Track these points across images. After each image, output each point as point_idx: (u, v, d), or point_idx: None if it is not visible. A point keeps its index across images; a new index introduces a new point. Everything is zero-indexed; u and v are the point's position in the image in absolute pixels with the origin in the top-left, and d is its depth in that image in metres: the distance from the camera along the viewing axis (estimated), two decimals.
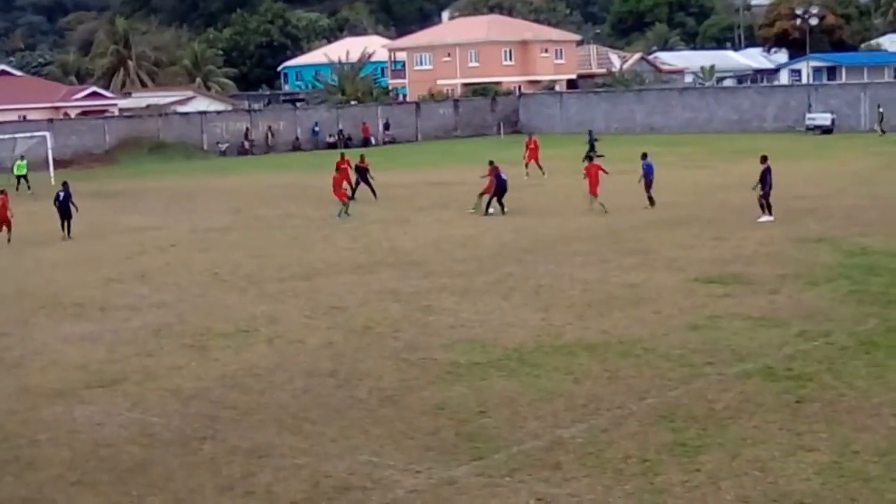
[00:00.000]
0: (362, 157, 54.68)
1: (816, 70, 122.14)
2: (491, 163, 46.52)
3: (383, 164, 52.93)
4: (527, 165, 59.41)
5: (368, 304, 28.89)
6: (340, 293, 30.51)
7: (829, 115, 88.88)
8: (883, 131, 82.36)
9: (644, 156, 46.45)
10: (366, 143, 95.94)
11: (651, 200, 45.42)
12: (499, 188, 45.55)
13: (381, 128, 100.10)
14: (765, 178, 40.52)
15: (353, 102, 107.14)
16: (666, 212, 43.72)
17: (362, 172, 52.70)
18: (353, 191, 51.48)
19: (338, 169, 50.92)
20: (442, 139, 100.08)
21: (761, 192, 40.50)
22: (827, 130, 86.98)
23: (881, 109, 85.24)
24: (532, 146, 61.85)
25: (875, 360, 21.79)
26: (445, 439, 18.22)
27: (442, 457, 17.38)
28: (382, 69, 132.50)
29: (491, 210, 45.37)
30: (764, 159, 40.81)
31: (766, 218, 40.07)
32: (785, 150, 71.31)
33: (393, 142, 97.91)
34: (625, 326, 25.39)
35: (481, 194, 46.57)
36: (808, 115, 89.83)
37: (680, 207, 44.62)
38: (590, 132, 74.82)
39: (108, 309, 29.81)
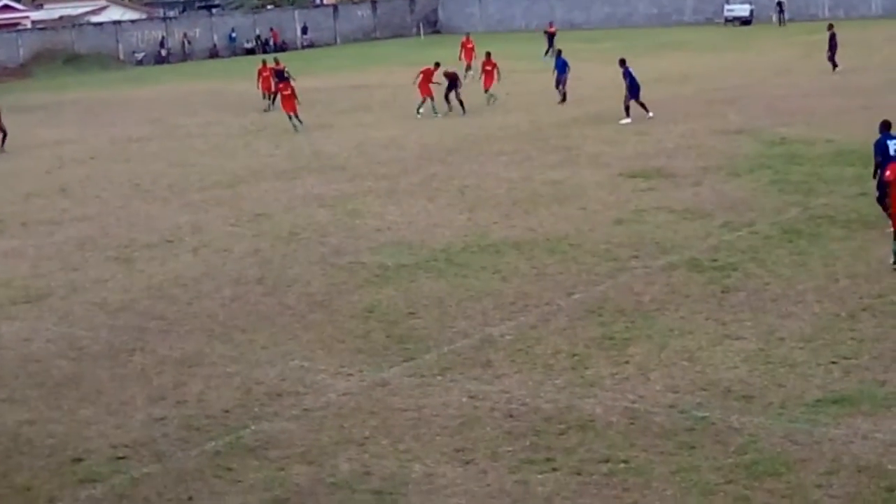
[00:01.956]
0: (276, 60, 54.08)
1: None
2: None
3: (303, 68, 52.41)
4: (468, 67, 58.38)
5: (294, 210, 28.76)
6: (265, 200, 30.33)
7: (747, 7, 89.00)
8: (781, 22, 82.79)
9: (558, 53, 46.45)
10: (281, 48, 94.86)
11: (563, 97, 45.52)
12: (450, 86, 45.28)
13: (298, 32, 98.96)
14: (629, 82, 39.99)
15: (269, 7, 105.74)
16: (588, 108, 43.76)
17: (279, 74, 52.09)
18: (273, 98, 50.91)
19: (260, 77, 50.36)
20: (361, 42, 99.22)
21: (627, 95, 40.00)
22: (746, 21, 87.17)
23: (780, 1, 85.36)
24: (469, 46, 61.07)
25: (798, 248, 22.05)
26: (376, 342, 18.26)
27: (373, 359, 17.43)
28: None
29: (422, 111, 45.09)
30: (622, 62, 40.39)
31: (625, 120, 39.69)
32: (704, 43, 71.58)
33: (311, 46, 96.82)
34: (551, 223, 25.48)
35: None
36: (727, 7, 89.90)
37: (602, 103, 44.66)
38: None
39: (30, 224, 29.44)
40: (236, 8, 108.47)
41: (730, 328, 17.80)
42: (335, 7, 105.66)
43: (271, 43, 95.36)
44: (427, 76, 45.68)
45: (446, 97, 44.88)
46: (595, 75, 52.23)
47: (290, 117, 43.49)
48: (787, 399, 14.87)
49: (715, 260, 21.62)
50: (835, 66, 51.13)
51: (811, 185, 27.50)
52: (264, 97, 50.59)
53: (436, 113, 44.71)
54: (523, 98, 48.82)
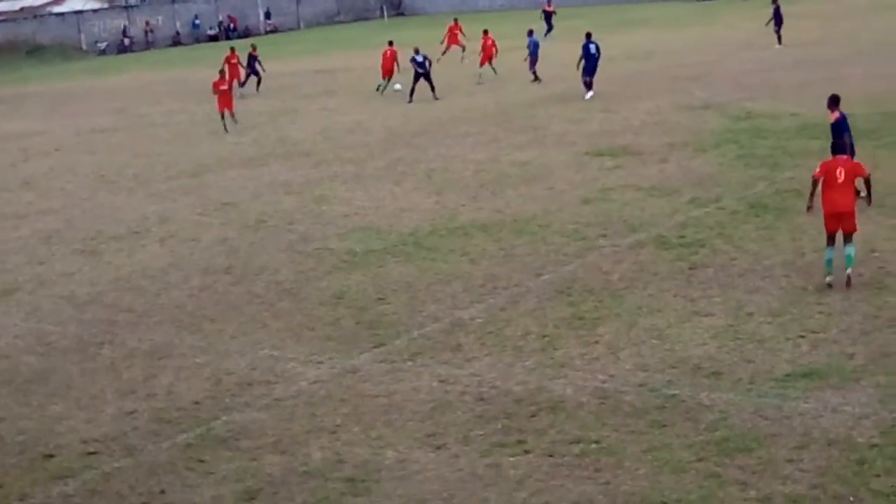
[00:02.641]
0: (253, 45, 53.87)
1: None
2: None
3: (267, 53, 52.16)
4: (464, 49, 57.63)
5: (260, 198, 28.67)
6: (231, 188, 30.22)
7: None
8: None
9: (530, 32, 46.35)
10: (244, 33, 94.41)
11: (536, 77, 45.46)
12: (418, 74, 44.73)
13: (262, 17, 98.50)
14: (584, 55, 40.31)
15: None
16: (554, 87, 43.75)
17: (252, 61, 51.83)
18: (243, 83, 50.73)
19: (227, 64, 49.94)
20: (324, 25, 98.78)
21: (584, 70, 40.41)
22: None
23: None
24: (456, 32, 60.36)
25: (765, 223, 22.13)
26: (346, 328, 18.24)
27: (343, 346, 17.41)
28: None
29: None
30: (588, 36, 40.73)
31: (589, 94, 40.13)
32: (669, 19, 71.60)
33: (275, 31, 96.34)
34: (518, 204, 25.49)
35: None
36: None
37: (568, 82, 44.59)
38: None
39: None
40: None
41: (698, 305, 17.85)
42: None
43: (236, 29, 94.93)
44: (390, 57, 46.02)
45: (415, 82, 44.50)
46: (560, 54, 52.12)
47: (221, 116, 40.30)
48: (756, 374, 14.93)
49: (682, 237, 21.67)
50: (780, 39, 51.21)
51: (777, 159, 27.58)
52: (240, 84, 50.16)
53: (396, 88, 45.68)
54: (489, 79, 48.71)
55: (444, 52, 54.15)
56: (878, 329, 16.18)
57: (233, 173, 32.33)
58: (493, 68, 47.59)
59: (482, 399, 14.95)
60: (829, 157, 19.39)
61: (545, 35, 61.69)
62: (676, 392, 14.57)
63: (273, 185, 30.03)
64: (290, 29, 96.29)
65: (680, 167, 27.86)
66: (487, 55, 47.68)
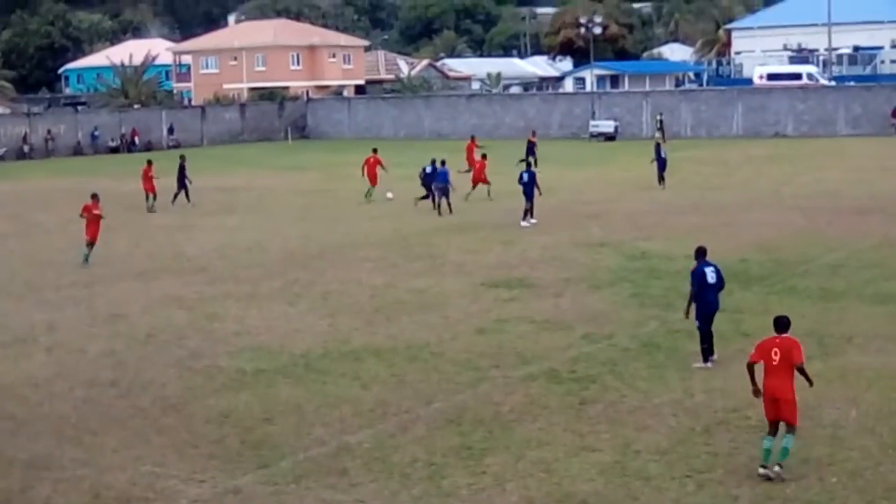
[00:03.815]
0: (182, 156, 53.92)
1: (600, 78, 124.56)
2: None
3: (168, 168, 51.95)
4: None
5: (151, 312, 28.32)
6: (122, 300, 29.83)
7: (612, 123, 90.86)
8: (664, 139, 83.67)
9: (443, 163, 46.14)
10: (147, 147, 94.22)
11: (447, 207, 45.16)
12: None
13: (165, 132, 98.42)
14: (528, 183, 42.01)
15: (136, 106, 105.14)
16: (454, 217, 44.02)
17: (182, 172, 51.85)
18: (175, 197, 51.00)
19: (145, 178, 49.61)
20: (228, 144, 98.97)
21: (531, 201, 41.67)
22: (610, 137, 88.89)
23: (661, 117, 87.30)
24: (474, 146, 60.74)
25: (656, 362, 22.27)
26: (230, 447, 17.94)
27: (226, 465, 17.11)
28: (167, 73, 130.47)
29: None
30: (528, 164, 43.00)
31: (530, 222, 41.46)
32: (570, 157, 72.65)
33: (178, 146, 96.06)
34: (412, 331, 25.43)
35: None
36: (592, 123, 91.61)
37: (468, 213, 44.98)
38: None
39: None
40: (102, 106, 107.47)
41: (587, 440, 17.83)
42: (203, 109, 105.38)
43: (138, 143, 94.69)
44: (373, 164, 50.22)
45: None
46: (459, 185, 52.55)
47: (88, 245, 35.83)
48: None
49: (574, 371, 21.72)
50: (661, 181, 52.66)
51: (670, 300, 27.84)
52: (147, 198, 49.71)
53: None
54: (389, 205, 48.99)
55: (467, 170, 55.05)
56: None
57: (125, 285, 31.95)
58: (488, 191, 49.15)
59: None
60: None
61: (519, 161, 61.94)
62: None
63: (165, 300, 29.70)
64: (194, 145, 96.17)
65: (574, 302, 28.05)
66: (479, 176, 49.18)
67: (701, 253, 22.08)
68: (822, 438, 17.59)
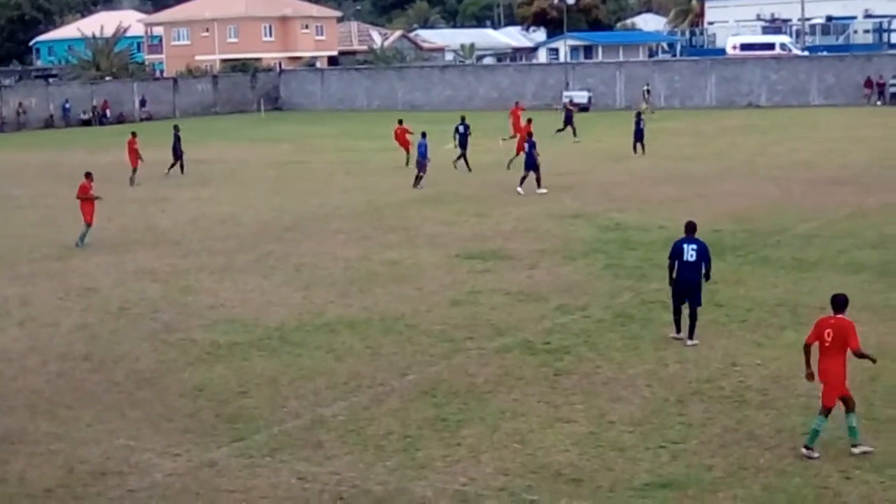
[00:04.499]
0: (176, 126, 54.06)
1: (574, 49, 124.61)
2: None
3: (140, 141, 51.60)
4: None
5: (124, 285, 28.22)
6: (95, 274, 29.72)
7: (586, 93, 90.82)
8: (652, 110, 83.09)
9: (423, 135, 45.99)
10: (119, 120, 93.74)
11: (418, 180, 45.01)
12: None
13: (137, 104, 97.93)
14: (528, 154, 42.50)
15: (108, 78, 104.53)
16: (428, 189, 43.95)
17: (177, 142, 51.98)
18: (171, 168, 51.62)
19: (130, 151, 49.32)
20: (201, 116, 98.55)
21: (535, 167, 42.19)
22: (584, 108, 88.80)
23: (647, 87, 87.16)
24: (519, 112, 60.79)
25: (630, 333, 22.32)
26: (205, 421, 17.92)
27: (201, 439, 17.09)
28: (139, 44, 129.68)
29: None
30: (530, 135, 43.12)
31: (538, 190, 41.95)
32: (544, 128, 72.48)
33: (150, 118, 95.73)
34: (387, 303, 25.42)
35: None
36: (566, 93, 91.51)
37: (442, 184, 44.91)
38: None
39: None
40: (74, 78, 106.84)
41: (561, 411, 17.87)
42: (175, 80, 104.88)
43: (108, 114, 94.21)
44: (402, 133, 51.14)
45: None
46: (434, 157, 52.48)
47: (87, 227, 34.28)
48: (615, 483, 14.95)
49: (548, 343, 21.75)
50: (635, 149, 53.64)
51: (644, 271, 27.92)
52: (134, 171, 49.30)
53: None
54: (362, 177, 48.94)
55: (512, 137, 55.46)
56: (737, 442, 16.33)
57: (98, 259, 31.81)
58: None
59: (341, 498, 14.75)
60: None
61: (556, 132, 62.03)
62: (536, 497, 14.52)
63: (138, 273, 29.60)
64: (166, 117, 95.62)
65: (549, 274, 28.07)
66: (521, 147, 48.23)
67: (687, 228, 21.62)
68: (796, 408, 17.67)
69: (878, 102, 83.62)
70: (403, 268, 29.30)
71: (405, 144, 51.78)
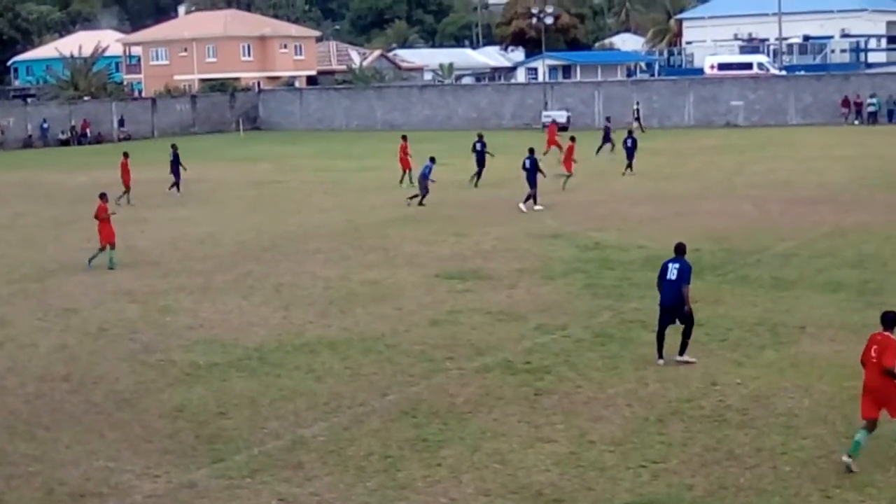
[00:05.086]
0: (174, 145, 54.33)
1: (552, 68, 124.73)
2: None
3: (119, 161, 51.38)
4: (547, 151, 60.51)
5: (103, 306, 28.13)
6: (74, 294, 29.62)
7: (564, 113, 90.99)
8: (643, 129, 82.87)
9: (432, 159, 46.23)
10: (97, 139, 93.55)
11: (421, 198, 45.01)
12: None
13: (115, 124, 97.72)
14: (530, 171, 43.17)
15: (86, 98, 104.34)
16: (407, 209, 43.97)
17: (176, 161, 52.03)
18: (172, 186, 51.76)
19: (123, 172, 49.02)
20: (179, 135, 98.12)
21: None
22: (563, 127, 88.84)
23: (637, 106, 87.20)
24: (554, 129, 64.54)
25: (610, 352, 22.32)
26: (184, 442, 17.85)
27: (181, 460, 17.02)
28: (117, 64, 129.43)
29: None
30: (531, 151, 43.93)
31: (538, 207, 42.47)
32: (523, 147, 72.49)
33: (128, 138, 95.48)
34: (366, 323, 25.39)
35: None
36: (545, 113, 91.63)
37: (422, 204, 44.91)
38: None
39: None
40: (52, 98, 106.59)
41: (542, 431, 17.87)
42: (153, 100, 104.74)
43: (87, 133, 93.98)
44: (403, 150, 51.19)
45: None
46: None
47: (101, 250, 33.50)
48: (596, 502, 14.95)
49: (528, 362, 21.74)
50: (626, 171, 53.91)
51: (623, 290, 27.95)
52: (127, 191, 48.96)
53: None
54: (341, 197, 48.93)
55: (544, 153, 57.75)
56: (718, 461, 16.35)
57: (76, 279, 31.71)
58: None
59: None
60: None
61: (604, 150, 62.99)
62: None
63: (117, 293, 29.51)
64: (144, 137, 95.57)
65: (528, 293, 28.08)
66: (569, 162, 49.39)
67: (676, 249, 21.65)
68: (776, 427, 17.70)
69: (856, 122, 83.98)
70: (383, 287, 29.28)
71: (404, 163, 51.89)
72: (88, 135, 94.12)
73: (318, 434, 18.04)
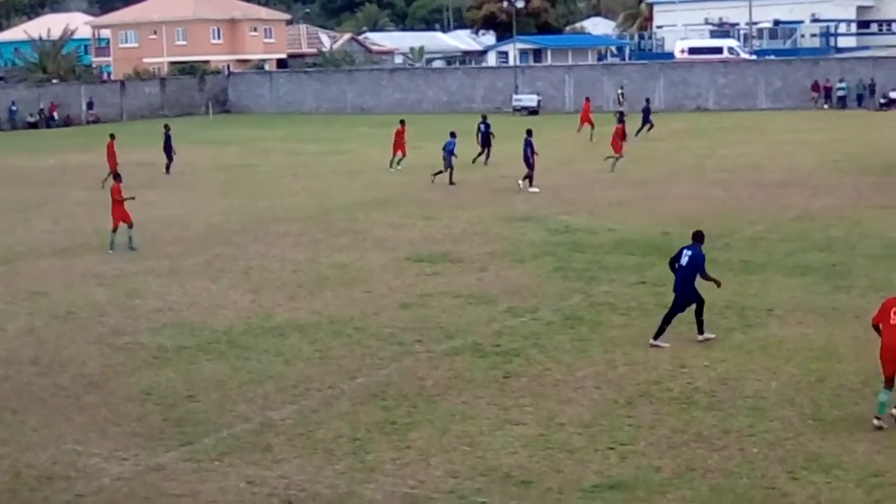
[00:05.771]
0: (167, 125, 54.45)
1: (523, 52, 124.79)
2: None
3: (87, 143, 51.24)
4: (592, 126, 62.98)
5: (71, 289, 28.01)
6: (42, 277, 29.47)
7: (535, 97, 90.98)
8: (626, 112, 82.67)
9: (452, 134, 46.67)
10: (66, 122, 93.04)
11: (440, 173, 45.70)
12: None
13: (84, 107, 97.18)
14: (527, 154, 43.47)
15: (54, 81, 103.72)
16: (377, 192, 43.93)
17: (168, 141, 51.91)
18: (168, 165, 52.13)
19: (109, 154, 48.52)
20: (148, 118, 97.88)
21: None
22: (533, 111, 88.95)
23: (622, 90, 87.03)
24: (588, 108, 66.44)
25: (579, 335, 22.37)
26: (152, 425, 17.80)
27: (149, 443, 16.98)
28: (86, 47, 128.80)
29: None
30: (529, 133, 44.43)
31: (533, 189, 42.91)
32: (494, 131, 72.53)
33: (97, 121, 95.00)
34: (336, 306, 25.35)
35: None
36: (515, 97, 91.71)
37: (391, 187, 44.91)
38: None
39: None
40: (20, 81, 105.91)
41: (511, 413, 17.89)
42: (122, 83, 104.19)
43: (55, 116, 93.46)
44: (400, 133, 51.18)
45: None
46: (381, 160, 52.51)
47: (114, 231, 33.06)
48: (564, 484, 14.98)
49: (498, 345, 21.76)
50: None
51: (593, 273, 28.00)
52: (108, 175, 48.59)
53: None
54: (311, 180, 48.83)
55: (578, 130, 62.36)
56: (686, 444, 16.40)
57: (44, 262, 31.56)
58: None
59: (290, 502, 14.71)
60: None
61: (636, 134, 62.89)
62: (486, 500, 14.52)
63: (85, 276, 29.38)
64: (113, 120, 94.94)
65: (498, 276, 28.09)
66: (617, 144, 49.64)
67: (693, 236, 21.71)
68: (743, 409, 17.78)
69: (825, 106, 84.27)
70: (352, 271, 29.24)
71: (397, 147, 51.71)
72: (56, 118, 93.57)
73: (287, 417, 18.01)
